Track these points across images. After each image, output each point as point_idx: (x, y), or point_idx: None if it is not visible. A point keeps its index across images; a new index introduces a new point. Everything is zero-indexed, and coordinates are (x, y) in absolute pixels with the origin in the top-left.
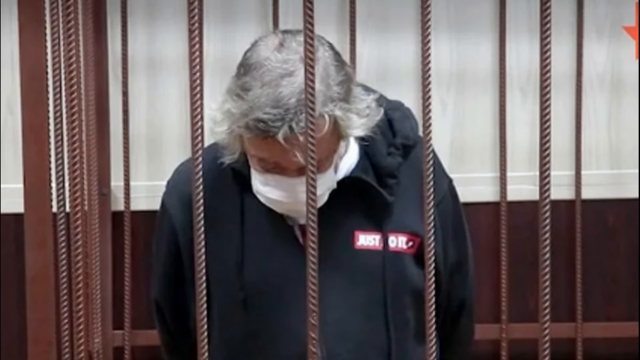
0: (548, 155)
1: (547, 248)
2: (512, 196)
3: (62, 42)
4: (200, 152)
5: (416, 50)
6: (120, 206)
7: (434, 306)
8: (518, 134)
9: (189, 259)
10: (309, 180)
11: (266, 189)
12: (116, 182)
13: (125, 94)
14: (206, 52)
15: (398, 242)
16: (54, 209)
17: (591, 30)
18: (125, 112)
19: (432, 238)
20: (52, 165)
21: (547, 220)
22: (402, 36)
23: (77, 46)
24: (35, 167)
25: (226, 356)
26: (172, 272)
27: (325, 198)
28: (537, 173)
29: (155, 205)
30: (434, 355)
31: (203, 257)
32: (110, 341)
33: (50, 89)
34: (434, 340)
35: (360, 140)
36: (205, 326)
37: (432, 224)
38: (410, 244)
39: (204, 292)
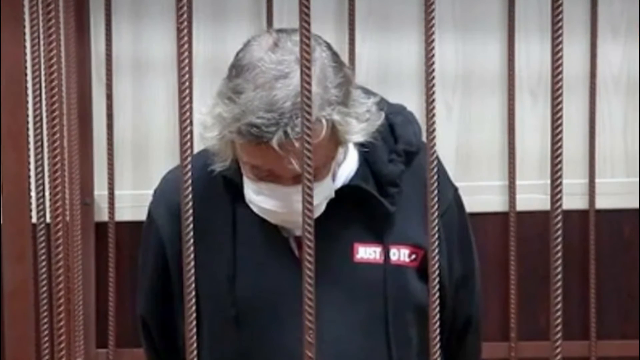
0: (560, 162)
1: (559, 261)
2: (521, 206)
3: (42, 42)
4: (189, 159)
5: (419, 50)
6: (104, 217)
7: (438, 323)
8: (528, 139)
9: (178, 273)
10: (306, 189)
11: (259, 198)
12: (100, 191)
13: (109, 97)
14: (196, 53)
15: (400, 255)
16: (34, 220)
17: (606, 29)
18: (110, 116)
19: (437, 251)
20: (32, 173)
21: (559, 232)
22: (405, 35)
23: (58, 46)
24: (13, 175)
25: None
26: (160, 286)
27: (322, 208)
28: (548, 181)
29: (142, 215)
30: None
31: (192, 270)
32: None
33: (30, 91)
34: None
35: (360, 146)
36: (195, 344)
37: (436, 236)
38: (413, 257)
39: (194, 308)
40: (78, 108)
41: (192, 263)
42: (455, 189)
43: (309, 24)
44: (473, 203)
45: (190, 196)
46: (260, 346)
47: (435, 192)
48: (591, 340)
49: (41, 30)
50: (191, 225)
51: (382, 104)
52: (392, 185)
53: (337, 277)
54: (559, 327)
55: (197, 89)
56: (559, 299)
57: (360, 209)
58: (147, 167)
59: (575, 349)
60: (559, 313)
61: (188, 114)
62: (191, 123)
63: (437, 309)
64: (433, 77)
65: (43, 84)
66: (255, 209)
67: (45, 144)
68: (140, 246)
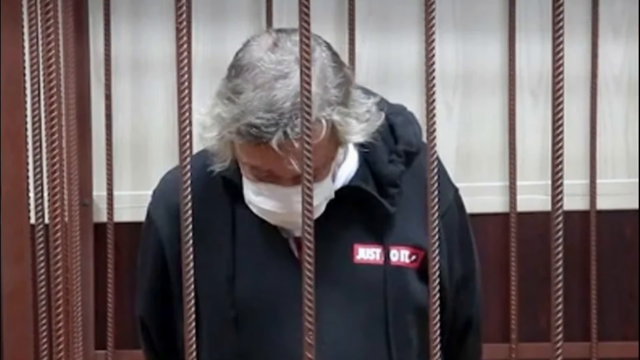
0: (561, 162)
1: (560, 262)
2: (522, 207)
3: (40, 42)
4: (188, 159)
5: (420, 50)
6: (102, 217)
7: (438, 324)
8: (528, 140)
9: (177, 274)
10: (305, 189)
11: (259, 199)
12: (98, 191)
13: (108, 97)
14: (195, 53)
15: (400, 255)
16: (32, 221)
17: (607, 29)
18: (109, 116)
19: (437, 252)
20: (30, 174)
21: (560, 233)
22: (405, 35)
23: (56, 46)
24: (12, 175)
25: None
26: (159, 287)
27: (322, 209)
28: (549, 182)
29: (140, 216)
30: None
31: (191, 271)
32: None
33: (28, 92)
34: None
35: (360, 146)
36: (194, 346)
37: (436, 237)
38: (413, 257)
39: (193, 309)
40: (77, 108)
41: (191, 264)
42: (456, 190)
43: (308, 23)
44: (473, 204)
45: (189, 197)
46: (260, 347)
47: (436, 192)
48: (592, 341)
49: (39, 30)
50: (190, 226)
51: (382, 104)
52: (392, 186)
53: (337, 278)
54: (560, 328)
55: (196, 89)
56: (560, 300)
57: (360, 209)
58: (146, 167)
59: (576, 350)
60: (560, 314)
61: (187, 114)
62: (190, 123)
63: (438, 310)
64: (433, 77)
65: (41, 84)
66: (254, 210)
67: (44, 145)
68: (139, 247)
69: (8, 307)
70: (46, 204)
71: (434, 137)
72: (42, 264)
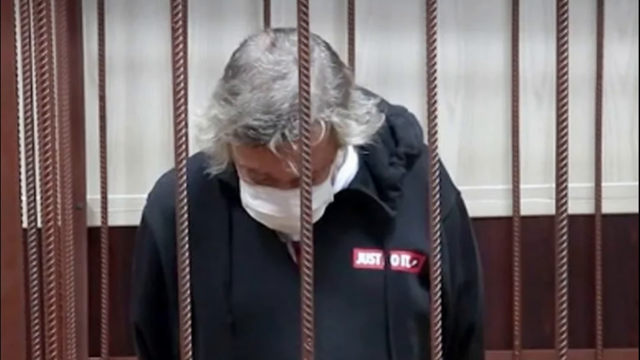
0: (565, 165)
1: (564, 267)
2: (525, 210)
3: (33, 42)
4: (184, 162)
5: (421, 50)
6: (96, 221)
7: (440, 331)
8: (532, 142)
9: (172, 279)
10: (304, 193)
11: (257, 202)
12: (92, 195)
13: (102, 98)
14: (191, 53)
15: (401, 260)
16: (25, 225)
17: (612, 28)
18: (102, 118)
19: (438, 256)
20: (23, 177)
21: (564, 237)
22: (406, 35)
23: (49, 46)
24: (4, 178)
25: None
26: (154, 293)
27: (321, 212)
28: (553, 185)
29: (135, 220)
30: None
31: (187, 277)
32: None
33: (20, 93)
34: None
35: (360, 149)
36: (190, 352)
37: (438, 241)
38: (414, 262)
39: (189, 315)
40: (70, 110)
41: (187, 269)
42: (458, 193)
43: (307, 23)
44: (476, 207)
45: (185, 200)
46: (257, 354)
47: (437, 196)
48: (597, 348)
49: (32, 30)
50: (186, 230)
51: (383, 105)
52: (392, 189)
53: (336, 283)
54: (564, 335)
55: (192, 90)
56: (564, 305)
57: (360, 213)
58: (141, 170)
59: (581, 357)
60: (564, 320)
61: (183, 115)
62: (186, 125)
63: (439, 316)
64: (435, 78)
65: (34, 85)
66: (252, 214)
67: (37, 147)
68: (133, 252)
69: (1, 313)
70: (39, 208)
71: (436, 139)
72: (35, 269)
